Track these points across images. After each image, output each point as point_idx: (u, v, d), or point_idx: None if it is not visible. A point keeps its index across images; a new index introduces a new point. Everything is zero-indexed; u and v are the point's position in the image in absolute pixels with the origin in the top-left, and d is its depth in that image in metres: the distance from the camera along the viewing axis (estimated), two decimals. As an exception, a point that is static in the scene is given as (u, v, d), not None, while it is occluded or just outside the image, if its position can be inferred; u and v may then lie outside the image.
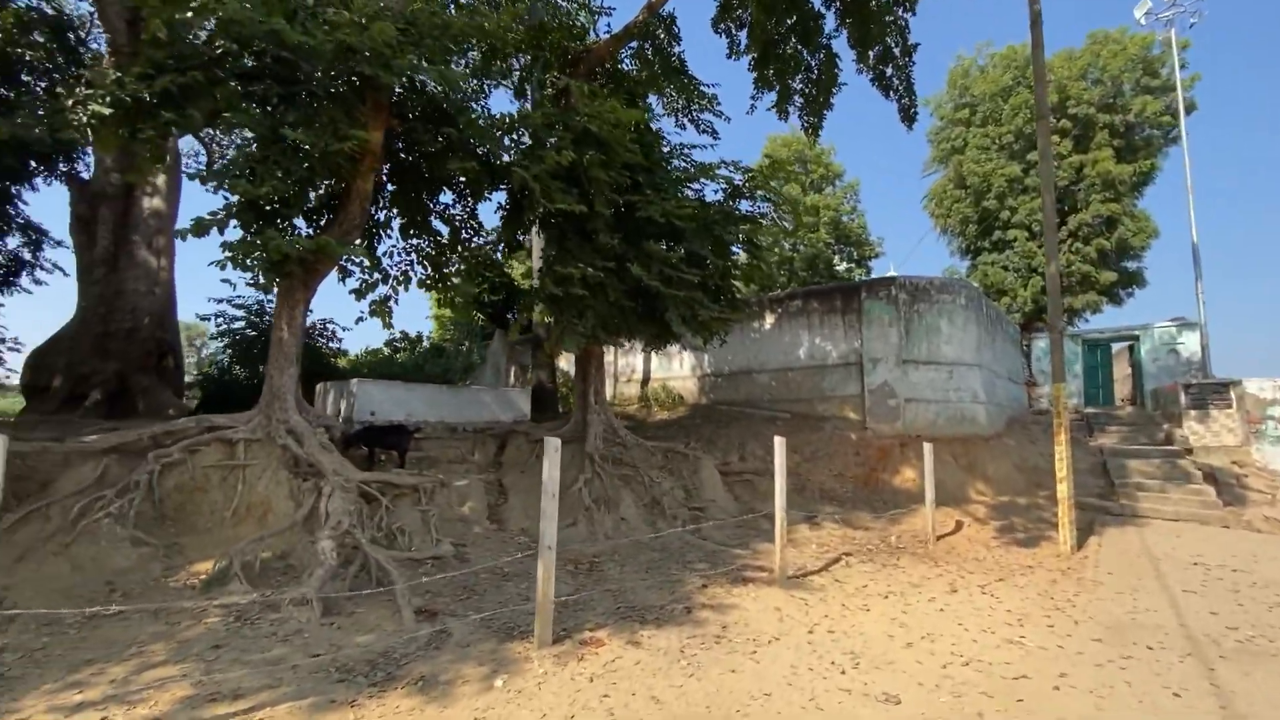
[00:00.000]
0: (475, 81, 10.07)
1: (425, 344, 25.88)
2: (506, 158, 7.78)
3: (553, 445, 5.06)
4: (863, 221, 29.41)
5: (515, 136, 8.32)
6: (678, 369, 16.68)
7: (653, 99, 12.14)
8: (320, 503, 6.69)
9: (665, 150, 10.67)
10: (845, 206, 29.22)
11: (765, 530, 9.23)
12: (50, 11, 13.55)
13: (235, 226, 7.16)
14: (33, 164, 13.83)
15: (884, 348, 13.48)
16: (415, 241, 8.81)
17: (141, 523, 6.51)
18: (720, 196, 11.39)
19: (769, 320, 15.43)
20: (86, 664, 4.21)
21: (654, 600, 6.13)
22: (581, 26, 11.18)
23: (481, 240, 9.46)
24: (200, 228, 6.63)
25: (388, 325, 7.76)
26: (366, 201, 8.15)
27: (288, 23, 5.83)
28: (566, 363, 18.28)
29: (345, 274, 8.66)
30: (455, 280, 8.28)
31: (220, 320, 19.19)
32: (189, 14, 6.77)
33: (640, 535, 8.68)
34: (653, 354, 16.99)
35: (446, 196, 9.47)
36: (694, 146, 10.72)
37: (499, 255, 11.24)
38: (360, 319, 8.21)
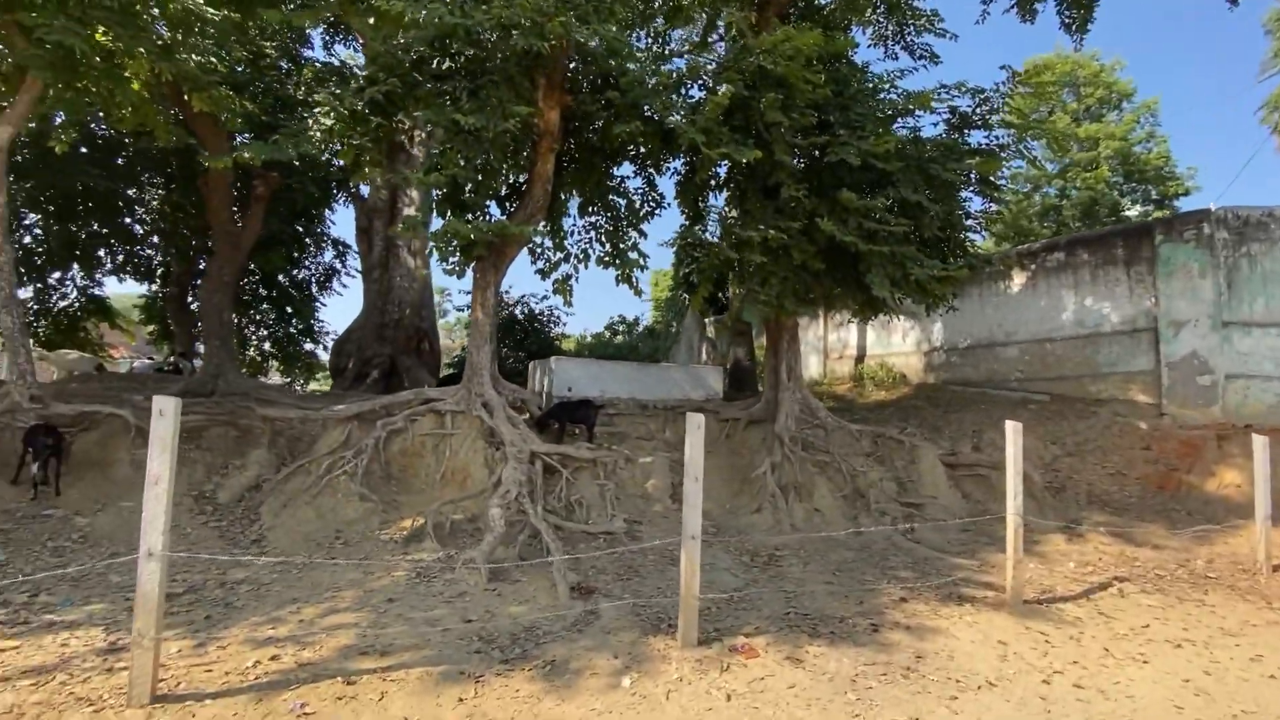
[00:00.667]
0: (649, 42, 9.68)
1: (641, 327, 27.03)
2: (678, 118, 7.25)
3: (695, 422, 4.46)
4: (1164, 151, 22.75)
5: (683, 92, 7.75)
6: (898, 343, 14.62)
7: (856, 31, 10.53)
8: (503, 470, 7.01)
9: (869, 85, 9.13)
10: (1138, 134, 22.88)
11: (1000, 538, 7.43)
12: (337, 64, 16.67)
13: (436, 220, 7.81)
14: (333, 188, 17.15)
15: (1191, 306, 10.02)
16: (594, 219, 8.83)
17: (370, 481, 7.50)
18: (942, 130, 9.44)
19: (1018, 280, 12.59)
20: (291, 602, 4.84)
21: (834, 609, 5.18)
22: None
23: (662, 213, 9.11)
24: (407, 226, 7.23)
25: (568, 303, 7.90)
26: (548, 183, 8.32)
27: (447, 8, 6.03)
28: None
29: (536, 255, 9.03)
30: (631, 255, 8.07)
31: (468, 309, 22.14)
32: (397, 27, 7.50)
33: (835, 530, 7.60)
34: (867, 327, 15.13)
35: (627, 171, 9.30)
36: (905, 72, 8.92)
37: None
38: (545, 298, 8.42)
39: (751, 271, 8.50)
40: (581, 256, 8.65)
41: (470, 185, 7.56)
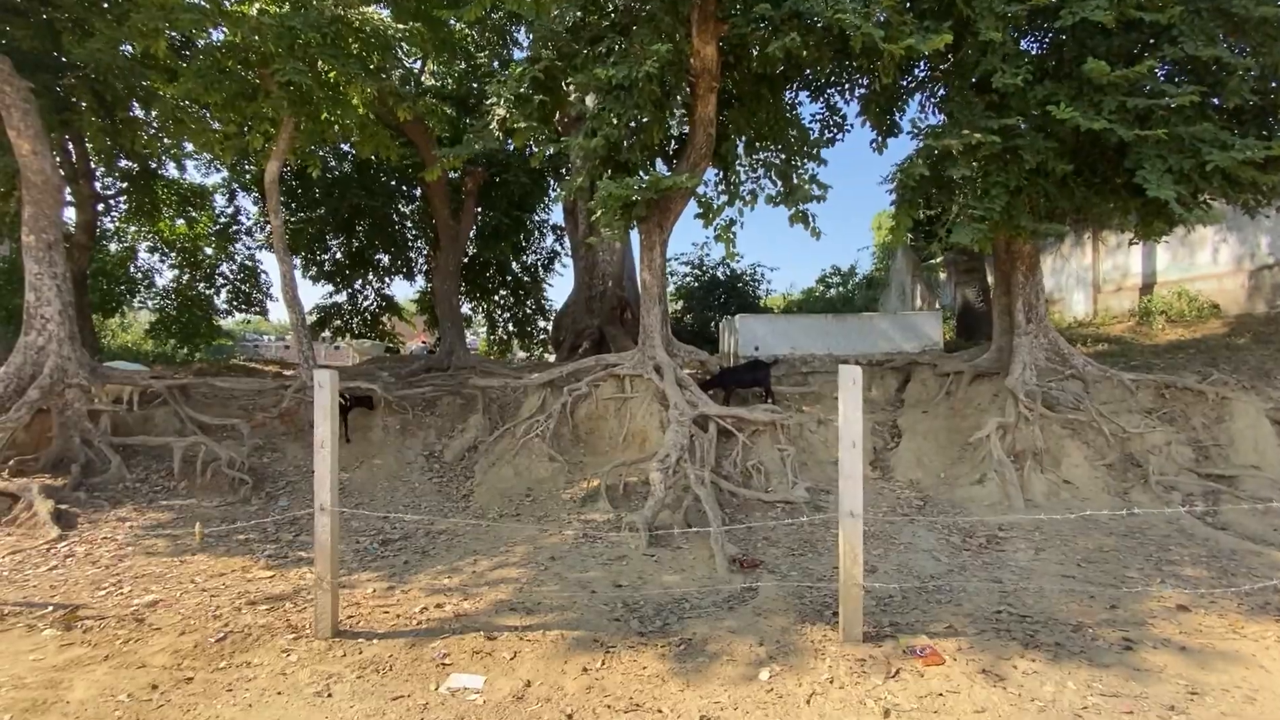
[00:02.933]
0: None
1: (859, 277, 24.67)
2: (848, 15, 6.07)
3: (851, 376, 3.68)
4: None
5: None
6: (1205, 263, 10.96)
7: None
8: (668, 432, 6.83)
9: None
10: None
11: (1380, 529, 5.09)
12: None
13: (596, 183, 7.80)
14: (543, 176, 18.53)
15: None
16: (761, 155, 7.99)
17: (560, 443, 7.95)
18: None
19: None
20: (472, 554, 5.27)
21: (1068, 612, 3.99)
22: None
23: (844, 136, 7.90)
24: (568, 191, 7.35)
25: (731, 254, 7.28)
26: (710, 127, 7.75)
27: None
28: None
29: (706, 208, 8.55)
30: (807, 187, 7.11)
31: (674, 277, 22.52)
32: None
33: (1093, 508, 5.94)
34: (1157, 246, 11.62)
35: (802, 100, 8.26)
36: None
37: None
38: (705, 242, 7.93)
39: (967, 184, 6.94)
40: (750, 199, 7.93)
41: (628, 143, 7.35)
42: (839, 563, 3.69)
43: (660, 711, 3.01)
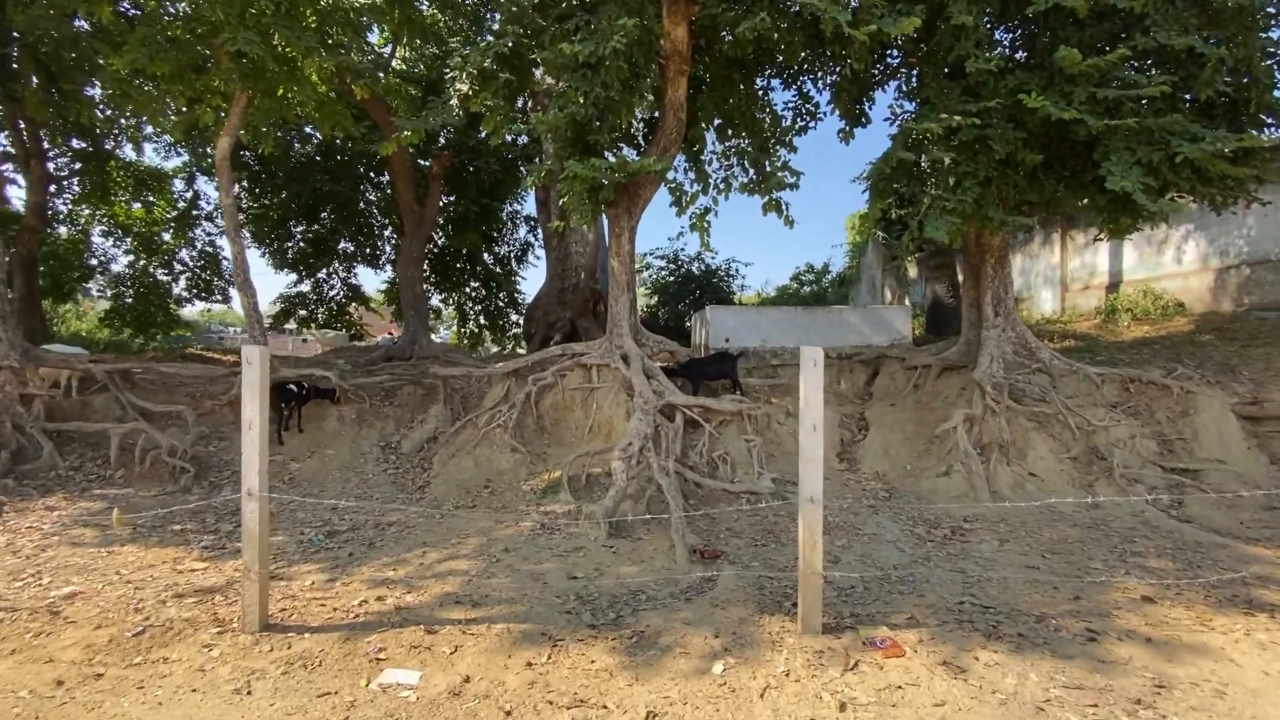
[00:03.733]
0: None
1: (833, 274, 24.76)
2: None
3: (811, 357, 3.52)
4: None
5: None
6: (1170, 262, 11.12)
7: None
8: (631, 421, 6.65)
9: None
10: None
11: (1337, 520, 5.11)
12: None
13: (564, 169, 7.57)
14: (516, 164, 18.20)
15: None
16: (734, 142, 7.83)
17: (523, 434, 7.71)
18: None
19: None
20: (421, 545, 5.02)
21: (1032, 603, 3.89)
22: None
23: (817, 125, 7.78)
24: (535, 176, 7.11)
25: (705, 245, 7.12)
26: (681, 111, 7.58)
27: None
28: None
29: (678, 195, 8.37)
30: (780, 174, 6.97)
31: (649, 270, 22.36)
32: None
33: (1058, 500, 5.91)
34: (1124, 245, 11.76)
35: (774, 86, 8.11)
36: None
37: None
38: (680, 233, 7.74)
39: (938, 175, 6.87)
40: (723, 186, 7.77)
41: (595, 123, 7.14)
42: (800, 551, 3.54)
43: (605, 707, 2.82)
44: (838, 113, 7.44)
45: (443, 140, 13.16)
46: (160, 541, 5.05)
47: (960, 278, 12.76)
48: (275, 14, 7.28)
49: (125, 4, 9.55)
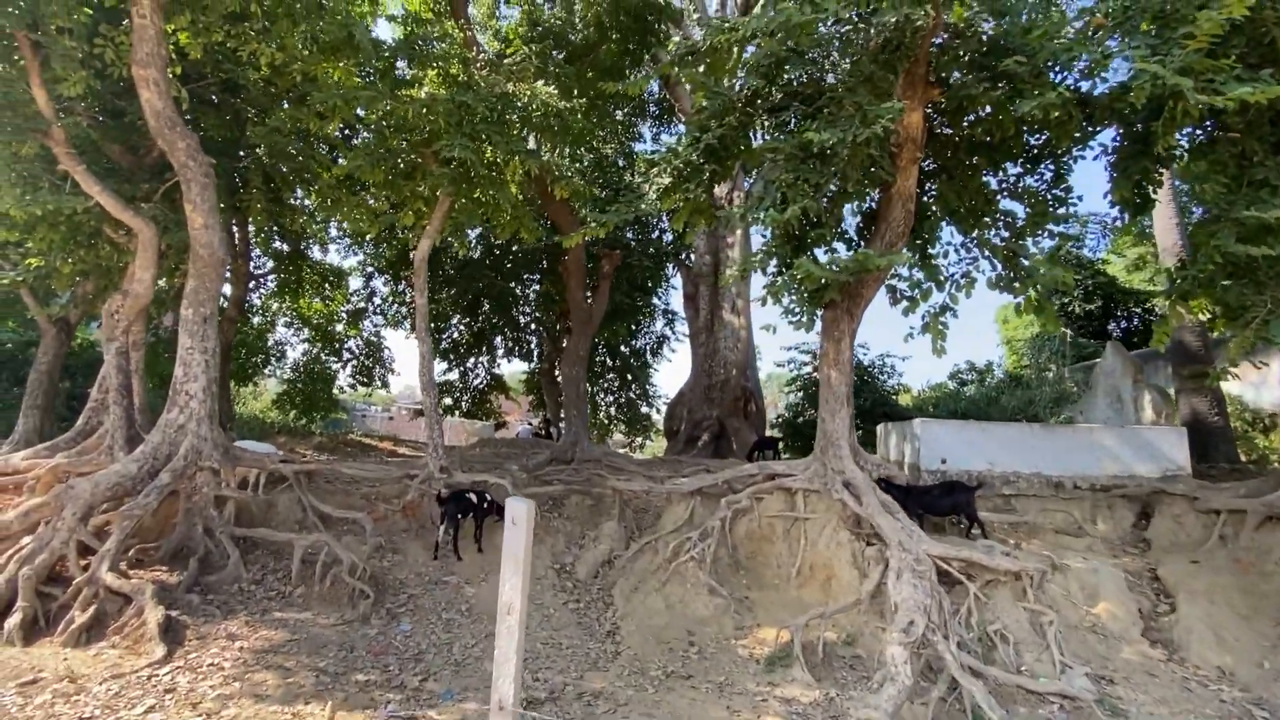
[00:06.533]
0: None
1: (997, 374, 22.15)
2: (1135, 63, 4.86)
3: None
4: None
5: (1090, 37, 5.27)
6: None
7: None
8: (888, 580, 5.28)
9: None
10: None
11: None
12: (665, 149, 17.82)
13: (775, 266, 6.83)
14: (665, 260, 18.09)
15: None
16: (977, 234, 6.71)
17: (718, 569, 6.54)
18: None
19: None
20: (650, 744, 3.90)
21: None
22: None
23: (1070, 210, 6.52)
24: (741, 273, 6.41)
25: (939, 349, 5.92)
26: (910, 202, 6.67)
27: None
28: (1245, 385, 11.54)
29: (896, 295, 7.28)
30: (1043, 270, 5.73)
31: (792, 366, 21.09)
32: (722, 72, 6.98)
33: None
34: None
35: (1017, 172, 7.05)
36: None
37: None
38: (909, 335, 6.61)
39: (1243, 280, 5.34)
40: (965, 282, 6.62)
41: (817, 217, 6.36)
42: None
43: None
44: (1110, 199, 6.17)
45: (603, 237, 13.17)
46: (346, 699, 4.30)
47: (1219, 395, 10.38)
48: (484, 121, 7.34)
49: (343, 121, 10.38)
